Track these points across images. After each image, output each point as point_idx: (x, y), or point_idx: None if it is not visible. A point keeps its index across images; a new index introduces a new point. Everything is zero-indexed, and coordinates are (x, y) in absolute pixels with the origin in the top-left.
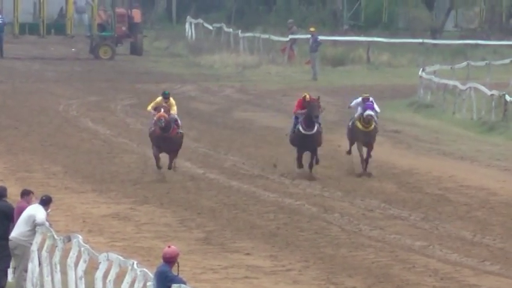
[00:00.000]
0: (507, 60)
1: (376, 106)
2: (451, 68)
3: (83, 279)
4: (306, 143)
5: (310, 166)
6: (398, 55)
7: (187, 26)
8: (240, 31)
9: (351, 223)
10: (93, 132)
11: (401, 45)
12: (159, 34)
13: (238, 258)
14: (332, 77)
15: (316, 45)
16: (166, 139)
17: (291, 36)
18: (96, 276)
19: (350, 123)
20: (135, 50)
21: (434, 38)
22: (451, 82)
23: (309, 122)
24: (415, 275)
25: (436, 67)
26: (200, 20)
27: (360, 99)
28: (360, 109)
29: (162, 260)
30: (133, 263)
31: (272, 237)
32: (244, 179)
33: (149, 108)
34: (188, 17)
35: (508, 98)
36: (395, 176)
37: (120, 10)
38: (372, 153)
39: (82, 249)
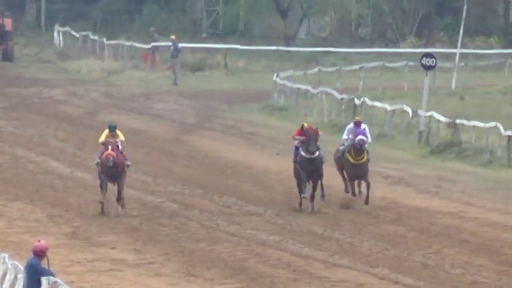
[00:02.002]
0: (356, 66)
1: (368, 134)
2: (304, 73)
3: None
4: (309, 167)
5: (312, 199)
6: (254, 61)
7: (55, 33)
8: (105, 39)
9: (210, 219)
10: None
11: (256, 52)
12: (29, 41)
13: (104, 252)
14: (192, 82)
15: (176, 52)
16: (112, 170)
17: (153, 44)
18: None
19: (338, 153)
20: (6, 57)
21: (288, 46)
22: (303, 86)
23: (309, 150)
24: (269, 267)
25: (290, 72)
26: (68, 28)
27: (351, 124)
28: (351, 136)
29: (32, 254)
30: (4, 257)
31: (135, 232)
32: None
33: (100, 140)
34: (56, 25)
35: (356, 101)
36: (251, 175)
37: None
38: (372, 186)
39: None
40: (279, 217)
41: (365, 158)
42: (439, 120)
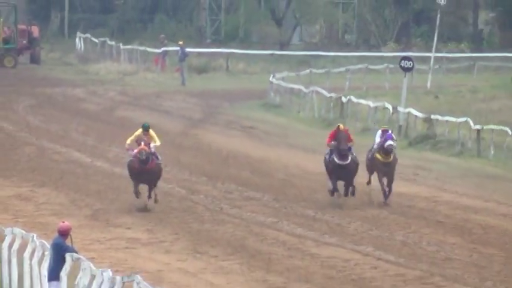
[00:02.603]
0: (343, 69)
1: (394, 137)
2: (297, 74)
3: None
4: (340, 173)
5: (346, 195)
6: (252, 64)
7: (77, 40)
8: (121, 44)
9: (214, 203)
10: None
11: (254, 56)
12: (53, 47)
13: (120, 232)
14: (197, 83)
15: (184, 56)
16: (145, 171)
17: (163, 49)
18: (2, 247)
19: (369, 155)
20: (34, 60)
21: (282, 50)
22: (296, 86)
23: (341, 154)
24: (266, 245)
25: (284, 74)
26: (88, 35)
27: (380, 131)
28: (379, 140)
29: (57, 234)
30: (33, 236)
31: (148, 215)
32: (124, 167)
33: (128, 141)
34: (78, 32)
35: (343, 99)
36: (250, 164)
37: (22, 27)
38: (393, 186)
39: None
40: (275, 201)
41: (391, 157)
42: (416, 116)
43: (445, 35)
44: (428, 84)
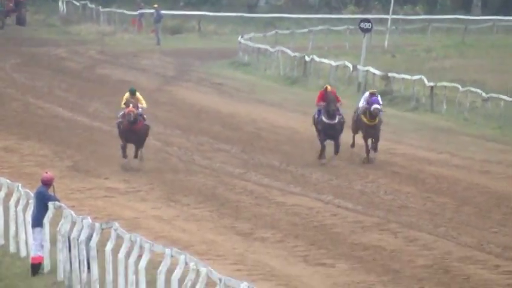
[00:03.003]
0: (306, 30)
1: (380, 101)
2: (263, 35)
3: None
4: (328, 131)
5: (336, 153)
6: (222, 26)
7: (60, 3)
8: (100, 7)
9: (187, 154)
10: None
11: (224, 18)
12: (38, 9)
13: (99, 182)
14: (171, 43)
15: (159, 18)
16: (133, 131)
17: (139, 11)
18: None
19: (355, 116)
20: (20, 22)
21: (250, 12)
22: (263, 46)
23: (330, 114)
24: (235, 194)
25: (252, 35)
26: None
27: (367, 93)
28: (364, 103)
29: (40, 183)
30: (18, 185)
31: (125, 166)
32: (104, 121)
33: (122, 105)
34: None
35: (306, 58)
36: (221, 118)
37: None
38: (378, 145)
39: None
40: (243, 153)
41: (377, 120)
42: (374, 74)
43: None
44: (386, 44)
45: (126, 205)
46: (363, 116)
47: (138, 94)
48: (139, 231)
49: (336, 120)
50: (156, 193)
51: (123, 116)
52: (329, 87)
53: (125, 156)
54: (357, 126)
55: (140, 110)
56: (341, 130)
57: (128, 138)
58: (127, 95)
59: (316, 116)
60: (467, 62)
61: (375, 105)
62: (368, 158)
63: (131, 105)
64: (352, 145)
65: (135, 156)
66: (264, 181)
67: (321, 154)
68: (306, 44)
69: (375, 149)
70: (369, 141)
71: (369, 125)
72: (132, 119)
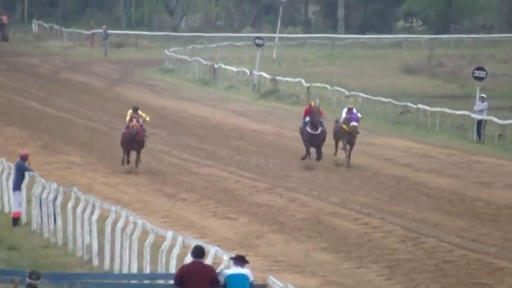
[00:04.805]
0: (215, 45)
1: (359, 114)
2: (184, 49)
3: None
4: (312, 140)
5: (317, 159)
6: (154, 41)
7: (33, 25)
8: (63, 28)
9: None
10: None
11: (155, 36)
12: (17, 29)
13: (63, 157)
14: (116, 54)
15: (106, 35)
16: (134, 140)
17: (92, 31)
18: None
19: (336, 127)
20: (4, 39)
21: (174, 32)
22: (183, 57)
23: (314, 125)
24: (164, 166)
25: (175, 48)
26: (41, 22)
27: (346, 108)
28: (344, 115)
29: (19, 158)
30: (2, 160)
31: (82, 145)
32: (67, 112)
33: (127, 119)
34: (34, 20)
35: (215, 66)
36: (152, 110)
37: None
38: (352, 152)
39: None
40: (170, 136)
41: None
42: (265, 77)
43: (285, 21)
44: (274, 55)
45: (82, 174)
46: (344, 125)
47: (139, 111)
48: (92, 194)
49: (319, 131)
50: (105, 165)
51: (127, 128)
52: (312, 104)
53: (125, 162)
54: (338, 135)
55: (141, 121)
56: (323, 139)
57: (130, 146)
58: (130, 111)
59: (302, 127)
60: (334, 68)
61: (352, 123)
62: (348, 161)
63: (134, 120)
64: (335, 153)
65: (136, 164)
66: (184, 156)
67: (305, 157)
68: (215, 55)
69: (350, 151)
70: (348, 146)
71: (349, 132)
72: (135, 132)
